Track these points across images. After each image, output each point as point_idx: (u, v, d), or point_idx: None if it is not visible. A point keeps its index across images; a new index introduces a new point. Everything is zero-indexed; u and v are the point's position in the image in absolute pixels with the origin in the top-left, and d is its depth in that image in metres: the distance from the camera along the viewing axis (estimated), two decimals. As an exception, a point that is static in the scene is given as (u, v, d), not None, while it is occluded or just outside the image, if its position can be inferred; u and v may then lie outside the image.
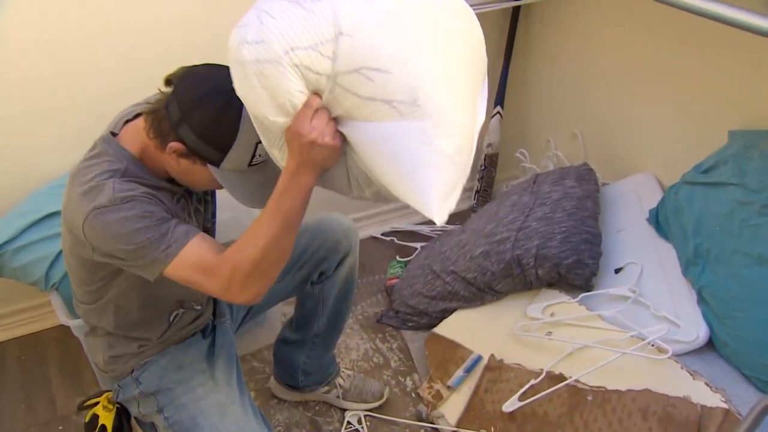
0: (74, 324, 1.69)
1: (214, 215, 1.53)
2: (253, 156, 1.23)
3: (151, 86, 1.25)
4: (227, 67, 1.12)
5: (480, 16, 2.15)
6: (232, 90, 1.13)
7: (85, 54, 1.88)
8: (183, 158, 1.23)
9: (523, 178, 2.46)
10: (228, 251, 1.21)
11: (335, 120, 1.10)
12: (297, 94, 1.05)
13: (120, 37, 1.88)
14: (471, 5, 2.04)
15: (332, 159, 1.13)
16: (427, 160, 1.07)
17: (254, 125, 1.14)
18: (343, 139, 1.11)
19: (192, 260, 1.20)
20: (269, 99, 1.05)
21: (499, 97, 2.46)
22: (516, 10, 2.34)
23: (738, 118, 1.73)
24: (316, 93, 1.07)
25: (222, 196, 1.54)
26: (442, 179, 1.07)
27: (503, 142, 2.53)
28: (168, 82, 1.23)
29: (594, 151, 2.29)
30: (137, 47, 1.91)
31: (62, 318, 1.76)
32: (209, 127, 1.19)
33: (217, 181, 1.24)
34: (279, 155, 1.16)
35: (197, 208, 1.43)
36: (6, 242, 1.81)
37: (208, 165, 1.22)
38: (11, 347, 2.17)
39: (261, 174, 1.27)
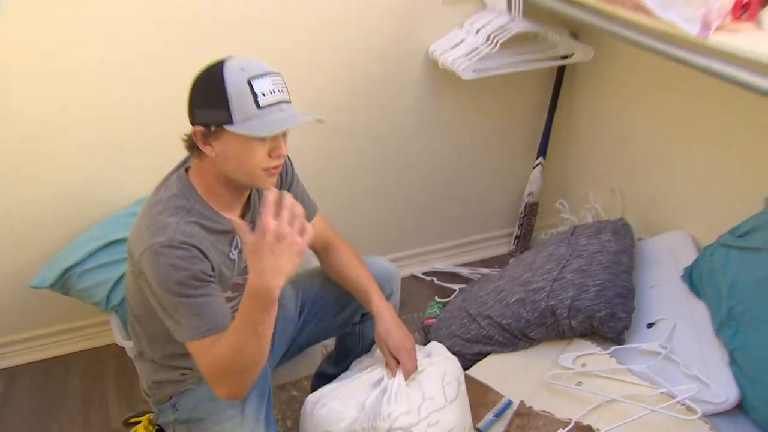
0: (128, 345, 1.70)
1: None
2: (255, 95, 1.20)
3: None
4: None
5: (528, 73, 2.20)
6: (216, 61, 1.22)
7: (155, 93, 1.93)
8: (211, 140, 1.23)
9: (561, 228, 2.41)
10: (211, 348, 1.23)
11: None
12: None
13: (187, 78, 1.92)
14: (520, 62, 2.09)
15: None
16: None
17: None
18: None
19: (205, 348, 1.23)
20: None
21: (542, 148, 2.43)
22: (561, 69, 2.32)
23: (775, 185, 1.67)
24: None
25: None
26: None
27: (544, 191, 2.50)
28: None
29: (631, 206, 2.23)
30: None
31: (118, 339, 1.78)
32: (204, 94, 1.22)
33: (253, 153, 1.23)
34: None
35: None
36: (74, 265, 1.85)
37: (227, 128, 1.20)
38: (76, 360, 2.22)
39: (281, 113, 1.23)
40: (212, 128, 1.21)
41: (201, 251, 1.24)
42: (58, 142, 1.92)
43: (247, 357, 1.18)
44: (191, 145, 1.27)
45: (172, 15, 1.85)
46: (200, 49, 1.88)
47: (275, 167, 1.28)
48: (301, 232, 1.10)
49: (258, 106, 1.20)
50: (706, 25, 1.33)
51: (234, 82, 1.19)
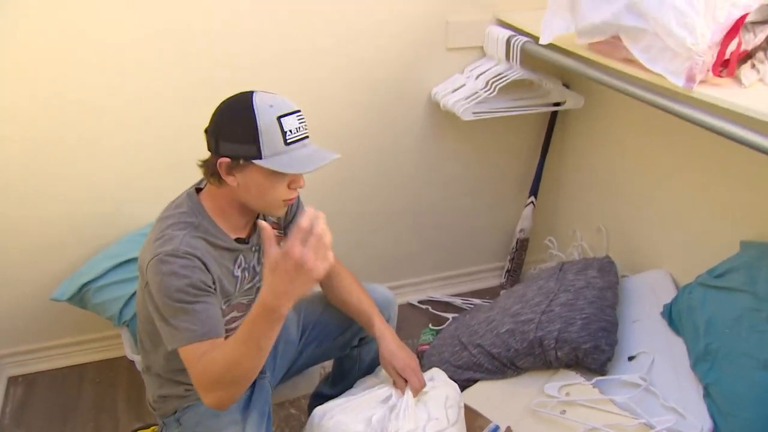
0: (137, 359, 1.68)
1: None
2: (284, 132, 1.19)
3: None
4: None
5: (523, 117, 2.22)
6: (241, 95, 1.20)
7: (176, 125, 1.93)
8: (235, 171, 1.22)
9: (550, 263, 2.40)
10: (204, 354, 1.18)
11: None
12: None
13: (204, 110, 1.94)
14: (516, 107, 2.10)
15: None
16: None
17: None
18: None
19: (198, 353, 1.19)
20: None
21: (533, 188, 2.43)
22: (554, 114, 2.34)
23: (750, 229, 1.67)
24: None
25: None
26: None
27: (534, 228, 2.49)
28: (206, 131, 1.26)
29: (616, 245, 2.23)
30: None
31: (128, 353, 1.77)
32: (233, 128, 1.19)
33: (276, 186, 1.22)
34: None
35: (255, 267, 1.41)
36: (91, 281, 1.84)
37: (255, 162, 1.19)
38: (90, 369, 2.21)
39: (305, 149, 1.24)
40: (241, 161, 1.21)
41: (203, 263, 1.23)
42: (86, 167, 1.93)
43: (243, 369, 1.14)
44: (213, 172, 1.25)
45: (198, 51, 1.87)
46: (220, 85, 1.89)
47: (292, 198, 1.30)
48: (324, 259, 1.04)
49: (286, 142, 1.20)
50: (690, 78, 1.35)
51: (265, 119, 1.18)
